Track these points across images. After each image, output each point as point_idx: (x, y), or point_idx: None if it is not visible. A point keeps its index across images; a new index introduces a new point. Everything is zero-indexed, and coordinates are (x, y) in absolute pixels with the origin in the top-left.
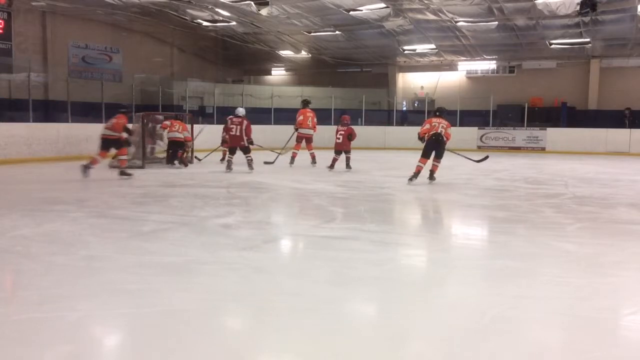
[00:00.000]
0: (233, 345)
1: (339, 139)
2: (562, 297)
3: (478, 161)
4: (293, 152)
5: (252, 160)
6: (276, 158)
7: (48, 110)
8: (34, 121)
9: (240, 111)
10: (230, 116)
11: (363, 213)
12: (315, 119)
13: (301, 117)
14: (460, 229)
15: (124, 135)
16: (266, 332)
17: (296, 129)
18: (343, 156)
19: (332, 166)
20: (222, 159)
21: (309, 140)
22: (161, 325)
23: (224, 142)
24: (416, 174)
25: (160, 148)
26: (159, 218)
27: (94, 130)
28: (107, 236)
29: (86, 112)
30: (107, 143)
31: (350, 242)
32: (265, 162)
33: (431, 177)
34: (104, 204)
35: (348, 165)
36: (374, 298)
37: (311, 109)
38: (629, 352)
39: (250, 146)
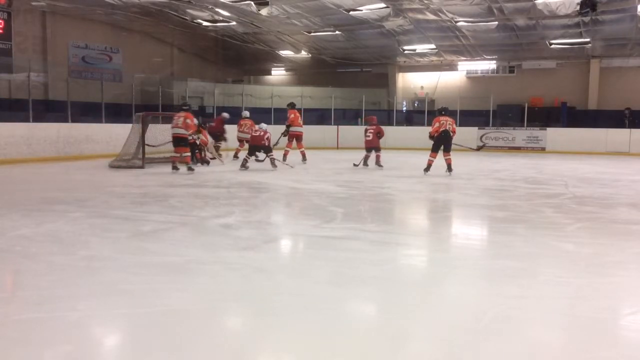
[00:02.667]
0: (233, 345)
1: (368, 136)
2: (562, 297)
3: (477, 149)
4: (285, 150)
5: (274, 158)
6: (265, 157)
7: (48, 110)
8: (34, 121)
9: (263, 126)
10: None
11: (363, 213)
12: None
13: (292, 116)
14: (460, 229)
15: (190, 133)
16: (266, 332)
17: (288, 126)
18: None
19: (365, 163)
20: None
21: (299, 138)
22: (161, 325)
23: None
24: (429, 166)
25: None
26: (159, 218)
27: (94, 130)
28: (107, 236)
29: (86, 112)
30: (178, 141)
31: (350, 242)
32: (256, 160)
33: (449, 169)
34: (104, 204)
35: (379, 164)
36: (374, 298)
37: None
38: (629, 352)
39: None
